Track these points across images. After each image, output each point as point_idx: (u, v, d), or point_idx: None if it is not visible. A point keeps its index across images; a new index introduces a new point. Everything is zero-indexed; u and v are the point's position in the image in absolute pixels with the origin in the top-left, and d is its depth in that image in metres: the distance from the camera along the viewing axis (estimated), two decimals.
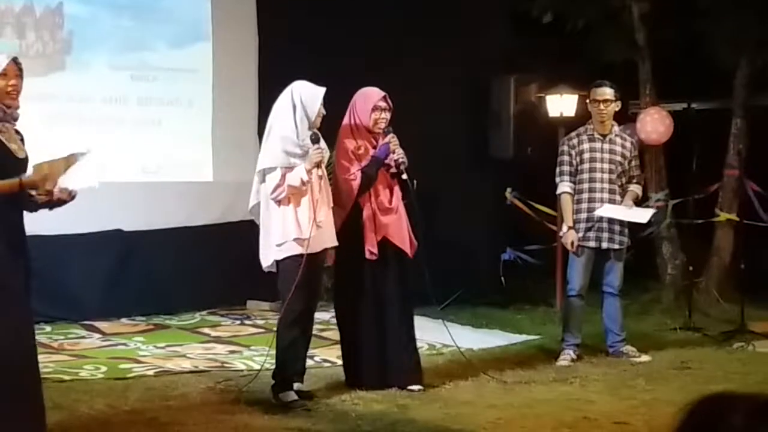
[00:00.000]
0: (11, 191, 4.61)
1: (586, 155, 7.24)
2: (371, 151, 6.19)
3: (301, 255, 5.79)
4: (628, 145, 7.37)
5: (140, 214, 8.57)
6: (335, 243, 6.05)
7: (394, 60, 9.15)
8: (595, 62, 9.60)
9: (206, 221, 9.07)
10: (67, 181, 4.70)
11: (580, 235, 7.20)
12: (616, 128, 7.38)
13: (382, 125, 6.20)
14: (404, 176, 6.16)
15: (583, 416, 5.66)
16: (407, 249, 6.26)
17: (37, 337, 5.05)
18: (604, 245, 7.24)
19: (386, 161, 6.17)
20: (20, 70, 4.80)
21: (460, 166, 9.80)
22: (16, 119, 4.81)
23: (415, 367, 6.30)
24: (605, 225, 7.22)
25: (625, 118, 8.75)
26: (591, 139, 7.28)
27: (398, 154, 6.14)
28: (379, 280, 6.22)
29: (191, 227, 8.97)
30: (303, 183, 5.79)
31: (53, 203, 4.77)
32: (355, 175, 6.12)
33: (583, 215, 7.23)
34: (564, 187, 7.27)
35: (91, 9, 8.67)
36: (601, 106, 7.26)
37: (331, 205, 6.03)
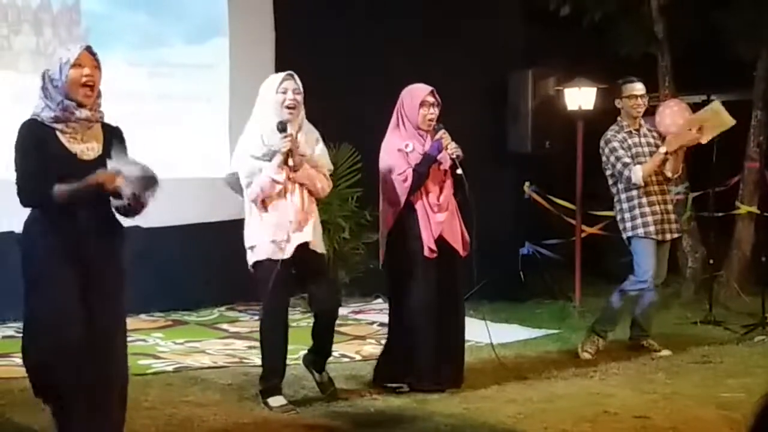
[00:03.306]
0: (72, 199, 4.34)
1: (633, 150, 7.15)
2: (420, 149, 6.07)
3: (274, 260, 5.59)
4: (656, 135, 7.32)
5: (158, 211, 8.46)
6: (311, 243, 5.67)
7: (412, 54, 9.13)
8: (614, 55, 9.56)
9: (224, 217, 9.04)
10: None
11: (650, 229, 7.02)
12: (643, 122, 7.34)
13: (431, 121, 6.09)
14: (459, 171, 6.03)
15: (603, 410, 5.63)
16: (459, 247, 6.13)
17: None
18: (668, 236, 7.14)
19: (438, 158, 6.06)
20: (97, 61, 4.47)
21: (478, 160, 9.74)
22: (85, 118, 4.45)
23: (459, 371, 6.18)
24: (665, 216, 7.10)
25: (644, 110, 8.71)
26: (630, 135, 7.22)
27: (452, 149, 6.02)
28: (433, 279, 6.02)
29: (209, 223, 8.96)
30: (276, 182, 5.61)
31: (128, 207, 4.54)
32: (405, 173, 6.00)
33: (646, 209, 7.08)
34: (636, 170, 7.02)
35: (108, 5, 8.68)
36: (640, 101, 7.22)
37: (308, 209, 5.73)
